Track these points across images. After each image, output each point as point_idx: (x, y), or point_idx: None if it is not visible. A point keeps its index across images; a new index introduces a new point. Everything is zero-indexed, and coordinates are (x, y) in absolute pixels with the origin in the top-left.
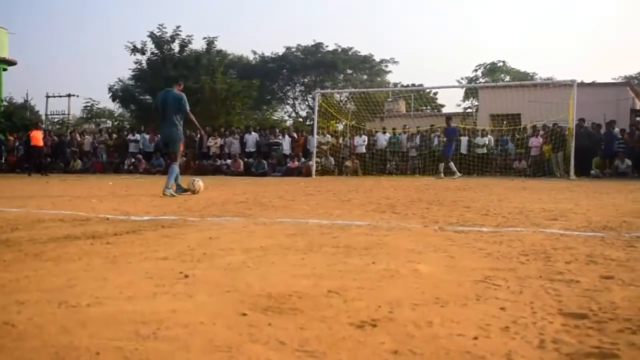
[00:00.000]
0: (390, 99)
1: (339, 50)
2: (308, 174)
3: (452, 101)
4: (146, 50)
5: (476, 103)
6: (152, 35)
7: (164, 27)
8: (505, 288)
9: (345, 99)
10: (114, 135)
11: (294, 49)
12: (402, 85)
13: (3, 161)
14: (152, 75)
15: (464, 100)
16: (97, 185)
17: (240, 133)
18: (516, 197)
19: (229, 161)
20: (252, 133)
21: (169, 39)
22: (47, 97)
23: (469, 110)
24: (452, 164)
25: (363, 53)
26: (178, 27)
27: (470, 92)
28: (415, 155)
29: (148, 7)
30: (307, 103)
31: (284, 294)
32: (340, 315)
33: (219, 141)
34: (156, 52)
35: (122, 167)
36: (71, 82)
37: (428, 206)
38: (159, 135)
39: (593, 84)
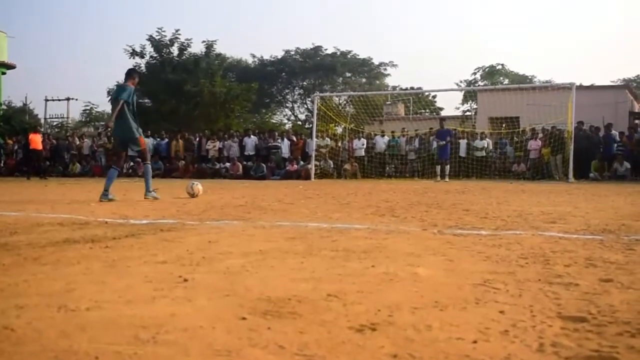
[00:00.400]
0: (389, 102)
1: (338, 53)
2: (307, 177)
3: (450, 104)
4: (145, 54)
5: (475, 106)
6: (151, 39)
7: (163, 31)
8: (505, 291)
9: (344, 102)
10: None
11: (292, 52)
12: (401, 89)
13: (2, 165)
14: (151, 79)
15: (462, 103)
16: (96, 188)
17: (239, 136)
18: (515, 200)
19: (227, 164)
20: (251, 136)
21: (168, 42)
22: (46, 100)
23: (467, 113)
24: (438, 168)
25: (362, 56)
26: (177, 30)
27: (469, 95)
28: (414, 159)
29: (147, 10)
30: (306, 106)
31: (283, 297)
32: (339, 319)
33: (218, 144)
34: (155, 55)
35: (121, 171)
36: (70, 85)
37: (427, 209)
38: (115, 136)
39: (592, 87)
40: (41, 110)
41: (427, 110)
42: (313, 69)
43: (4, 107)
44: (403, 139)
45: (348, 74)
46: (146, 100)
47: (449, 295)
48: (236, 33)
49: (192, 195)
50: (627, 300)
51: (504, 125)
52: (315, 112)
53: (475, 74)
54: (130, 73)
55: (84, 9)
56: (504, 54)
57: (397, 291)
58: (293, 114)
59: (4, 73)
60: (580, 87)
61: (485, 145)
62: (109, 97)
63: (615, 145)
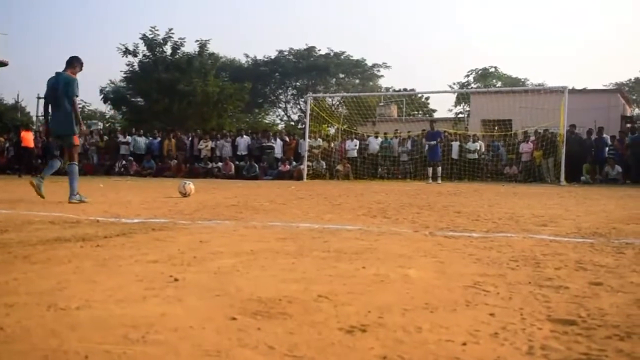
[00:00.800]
0: (382, 104)
1: (332, 54)
2: (299, 177)
3: (443, 106)
4: (138, 53)
5: (468, 108)
6: (144, 38)
7: (157, 30)
8: (495, 294)
9: (337, 103)
10: (105, 137)
11: (286, 53)
12: (394, 90)
13: None
14: (144, 78)
15: (455, 106)
16: (86, 186)
17: (232, 136)
18: (507, 202)
19: (220, 164)
20: (244, 136)
21: (161, 41)
22: (39, 98)
23: (460, 115)
24: (429, 170)
25: (355, 57)
26: (170, 29)
27: (462, 97)
28: (406, 160)
29: (141, 9)
30: (299, 107)
31: (273, 298)
32: (329, 320)
33: (210, 144)
34: (148, 54)
35: (113, 169)
36: None
37: (419, 211)
38: (51, 128)
39: (584, 91)
40: (33, 107)
41: (420, 112)
42: (306, 69)
43: None
44: (396, 140)
45: (341, 75)
46: (139, 99)
47: (439, 297)
48: (230, 33)
49: (184, 194)
50: (616, 303)
51: (496, 127)
52: (308, 112)
53: (468, 76)
54: (72, 61)
55: (78, 7)
56: (497, 56)
57: (387, 293)
58: (286, 114)
59: None
60: (573, 91)
61: (478, 148)
62: (102, 96)
63: (607, 149)
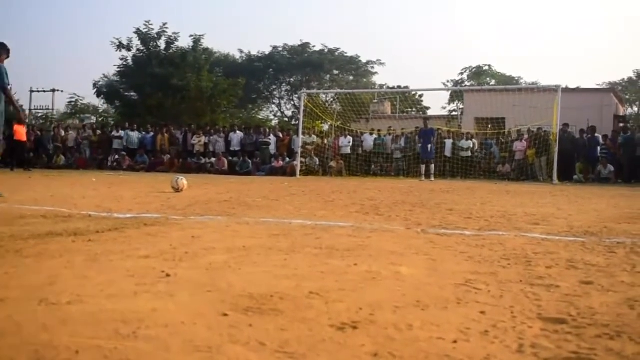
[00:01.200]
0: (376, 101)
1: (326, 50)
2: (292, 173)
3: (437, 104)
4: (132, 47)
5: (461, 106)
6: (138, 32)
7: (151, 24)
8: (486, 292)
9: (331, 99)
10: (98, 132)
11: (280, 49)
12: (388, 87)
13: None
14: (138, 72)
15: (449, 103)
16: (80, 181)
17: (225, 132)
18: (499, 200)
19: (213, 160)
20: (237, 132)
21: (155, 35)
22: (31, 91)
23: (454, 113)
24: (422, 167)
25: (350, 54)
26: (165, 24)
27: (456, 95)
28: (399, 157)
29: (135, 3)
30: (292, 103)
31: (265, 294)
32: (321, 317)
33: (204, 139)
34: (142, 48)
35: (106, 164)
36: (56, 77)
37: (411, 208)
38: None
39: (577, 90)
40: (26, 101)
41: (414, 110)
42: (300, 65)
43: None
44: (389, 137)
45: (335, 72)
46: (132, 94)
47: (430, 294)
48: (224, 28)
49: (177, 189)
50: (606, 302)
51: (489, 126)
52: (302, 109)
53: (462, 74)
54: None
55: (71, 0)
56: (491, 54)
57: (379, 290)
58: (280, 110)
59: None
60: (566, 90)
61: (471, 146)
62: (95, 90)
63: (599, 148)
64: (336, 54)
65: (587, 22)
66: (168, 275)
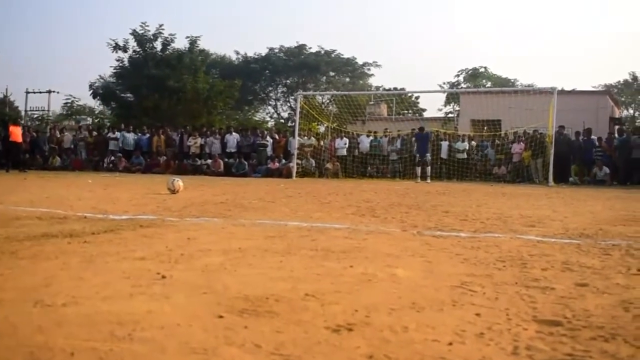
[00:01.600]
0: (372, 102)
1: (322, 52)
2: (288, 175)
3: (433, 106)
4: (128, 48)
5: (457, 108)
6: (134, 33)
7: (147, 25)
8: (482, 294)
9: (327, 101)
10: (94, 133)
11: (277, 50)
12: (384, 89)
13: None
14: (134, 73)
15: (445, 105)
16: (76, 183)
17: (222, 133)
18: (495, 202)
19: (209, 161)
20: (233, 133)
21: (152, 37)
22: (27, 92)
23: (450, 115)
24: (418, 169)
25: (346, 55)
26: (161, 25)
27: (452, 97)
28: (395, 159)
29: (131, 4)
30: (289, 104)
31: (261, 296)
32: (316, 319)
33: (200, 141)
34: (138, 50)
35: (102, 165)
36: (52, 78)
37: (407, 210)
38: None
39: (573, 92)
40: (22, 102)
41: (410, 111)
42: (297, 67)
43: None
44: (385, 139)
45: (332, 73)
46: (128, 95)
47: (426, 296)
48: (220, 29)
49: (173, 191)
50: (601, 305)
51: (485, 127)
52: (298, 110)
53: (458, 76)
54: None
55: (68, 1)
56: (487, 56)
57: (374, 292)
58: (276, 112)
59: None
60: (562, 92)
61: (467, 148)
62: (91, 92)
63: (595, 150)
64: (332, 55)
65: (584, 24)
66: (164, 277)
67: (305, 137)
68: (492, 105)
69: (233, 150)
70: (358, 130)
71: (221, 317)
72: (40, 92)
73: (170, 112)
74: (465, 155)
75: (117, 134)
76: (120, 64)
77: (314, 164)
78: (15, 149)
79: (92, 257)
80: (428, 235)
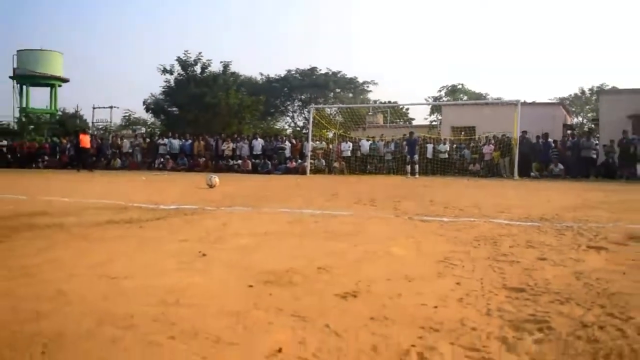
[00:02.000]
0: (370, 113)
1: (330, 73)
2: (303, 172)
3: (420, 115)
4: (174, 71)
5: (440, 117)
6: (179, 59)
7: (189, 53)
8: (461, 267)
9: (335, 112)
10: (147, 140)
11: (293, 72)
12: (380, 102)
13: (57, 159)
14: (178, 92)
15: (430, 115)
16: (133, 180)
17: (249, 139)
18: (471, 193)
19: (239, 162)
20: (259, 139)
21: (193, 62)
22: (94, 108)
23: (434, 123)
24: (408, 167)
25: (349, 75)
26: (200, 52)
27: (435, 108)
28: (390, 159)
29: (176, 36)
30: (303, 115)
31: (282, 270)
32: (327, 288)
33: (232, 145)
34: (182, 73)
35: (153, 166)
36: (113, 96)
37: (400, 200)
38: None
39: (533, 104)
40: (89, 116)
41: (401, 120)
42: (309, 85)
43: (59, 113)
44: (381, 143)
45: (338, 90)
46: (174, 109)
47: (416, 269)
48: (248, 55)
49: (211, 186)
50: (558, 275)
51: (462, 133)
52: (311, 120)
53: (440, 91)
54: None
55: (126, 32)
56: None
57: (374, 266)
58: (293, 121)
59: (60, 85)
60: (524, 104)
61: (448, 149)
62: (144, 107)
63: (551, 150)
64: (338, 75)
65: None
66: (204, 255)
67: (317, 142)
68: (468, 115)
69: (259, 152)
70: (359, 135)
71: (250, 286)
72: (104, 108)
73: (208, 123)
74: (446, 155)
75: (166, 141)
76: (168, 84)
77: (324, 163)
78: (85, 153)
79: (146, 239)
80: (417, 220)
